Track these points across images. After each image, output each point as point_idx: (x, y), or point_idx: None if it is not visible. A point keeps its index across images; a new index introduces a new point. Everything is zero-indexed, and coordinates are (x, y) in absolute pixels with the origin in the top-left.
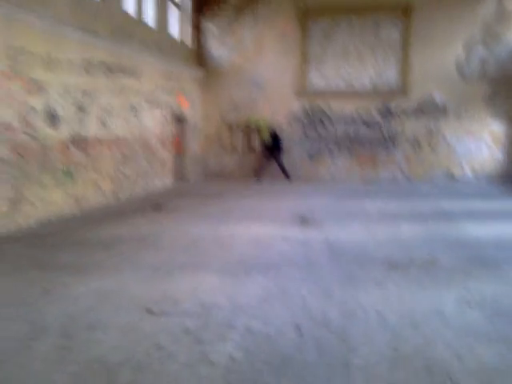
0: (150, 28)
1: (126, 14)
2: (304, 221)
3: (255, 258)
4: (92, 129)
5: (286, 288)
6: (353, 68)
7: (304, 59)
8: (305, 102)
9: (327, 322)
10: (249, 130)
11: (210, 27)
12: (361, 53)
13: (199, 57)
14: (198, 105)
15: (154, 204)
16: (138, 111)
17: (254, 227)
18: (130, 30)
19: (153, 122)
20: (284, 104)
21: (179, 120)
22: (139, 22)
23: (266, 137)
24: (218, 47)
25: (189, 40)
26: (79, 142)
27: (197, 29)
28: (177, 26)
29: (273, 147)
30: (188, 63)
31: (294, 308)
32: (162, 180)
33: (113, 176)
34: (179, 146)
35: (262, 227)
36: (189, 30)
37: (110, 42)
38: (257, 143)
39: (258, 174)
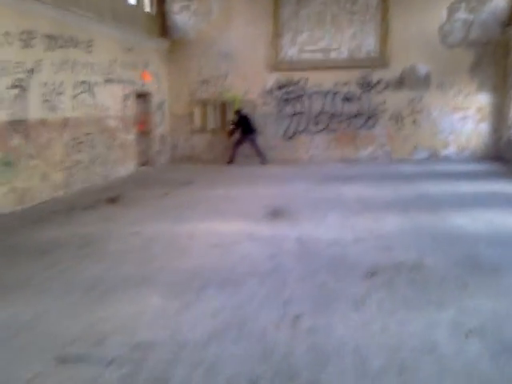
0: None
1: None
2: (276, 213)
3: (213, 268)
4: (35, 110)
5: (244, 314)
6: (330, 37)
7: (277, 27)
8: (279, 76)
9: (292, 369)
10: (222, 107)
11: None
12: (337, 19)
13: (162, 26)
14: (163, 80)
15: (110, 196)
16: (92, 88)
17: (218, 224)
18: None
19: (111, 101)
20: (257, 78)
21: (143, 98)
22: None
23: (233, 116)
24: (183, 14)
25: (149, 6)
26: (19, 126)
27: None
28: None
29: (245, 128)
30: (150, 33)
31: (252, 347)
32: (124, 166)
33: (63, 164)
34: (143, 127)
35: (228, 223)
36: None
37: (52, 8)
38: (230, 122)
39: (230, 156)
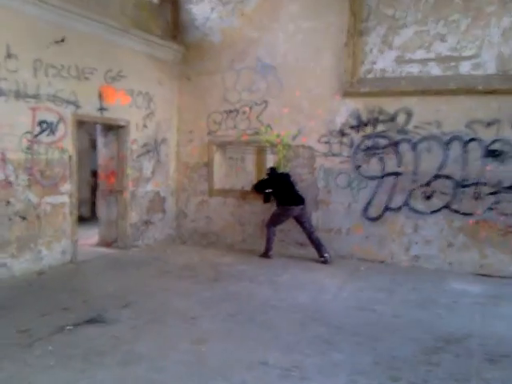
0: None
1: None
2: None
3: None
4: None
5: None
6: (458, 35)
7: (356, 20)
8: (359, 106)
9: None
10: (260, 154)
11: None
12: (473, 2)
13: (173, 23)
14: (164, 106)
15: None
16: None
17: None
18: None
19: None
20: (318, 108)
21: (111, 131)
22: None
23: (267, 176)
24: (204, 3)
25: None
26: None
27: None
28: None
29: (282, 196)
30: (141, 27)
31: None
32: (32, 256)
33: None
34: (111, 181)
35: None
36: None
37: None
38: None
39: (265, 244)
